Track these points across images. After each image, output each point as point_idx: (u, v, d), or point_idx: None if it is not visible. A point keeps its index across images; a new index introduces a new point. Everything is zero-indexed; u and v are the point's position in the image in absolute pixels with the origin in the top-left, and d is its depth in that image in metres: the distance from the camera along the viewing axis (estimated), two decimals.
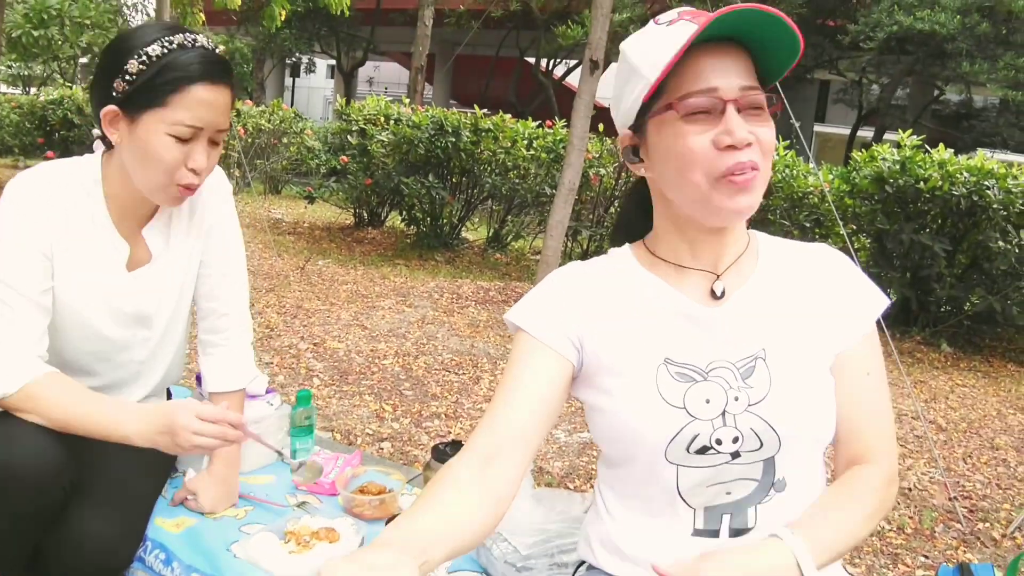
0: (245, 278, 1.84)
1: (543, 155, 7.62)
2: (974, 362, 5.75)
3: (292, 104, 30.92)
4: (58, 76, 15.54)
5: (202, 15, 9.09)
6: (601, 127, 7.50)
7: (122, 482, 1.58)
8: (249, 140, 11.55)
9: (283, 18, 8.70)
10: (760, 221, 5.95)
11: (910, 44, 13.89)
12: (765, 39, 1.05)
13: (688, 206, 1.10)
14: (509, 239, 8.53)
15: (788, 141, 6.41)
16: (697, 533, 1.12)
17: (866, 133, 18.59)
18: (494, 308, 5.54)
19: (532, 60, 18.30)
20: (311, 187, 9.19)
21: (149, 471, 1.69)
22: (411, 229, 8.25)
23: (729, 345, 1.12)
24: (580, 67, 15.81)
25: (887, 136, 13.98)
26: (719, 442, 1.08)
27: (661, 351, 1.12)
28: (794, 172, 6.27)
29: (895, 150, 5.99)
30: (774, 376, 1.10)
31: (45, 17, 12.82)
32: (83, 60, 17.17)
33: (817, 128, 21.69)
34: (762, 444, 1.09)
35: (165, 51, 1.43)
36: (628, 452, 1.13)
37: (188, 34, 1.47)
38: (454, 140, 7.53)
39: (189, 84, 1.43)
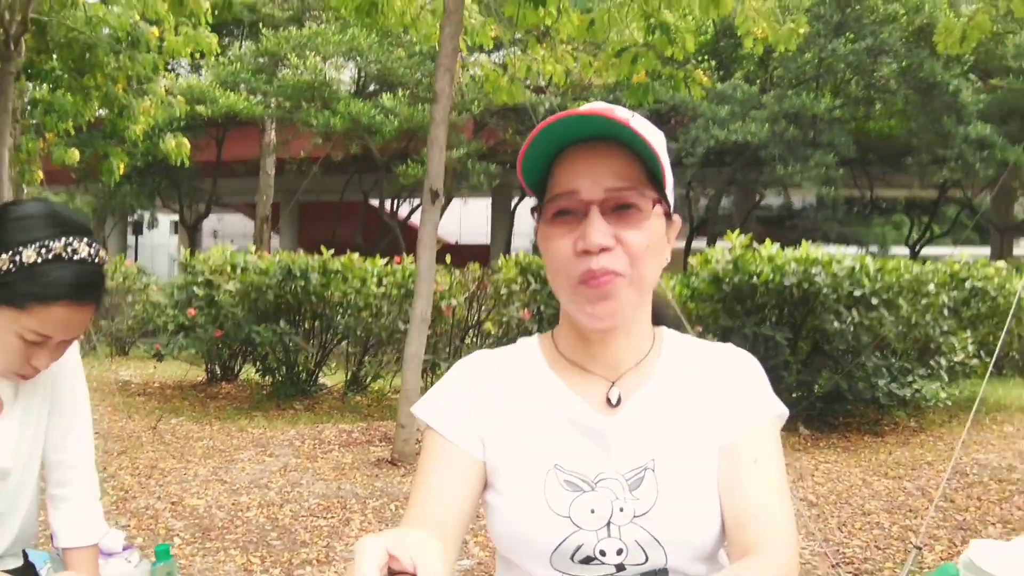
0: (91, 432, 1.78)
1: (394, 291, 7.74)
2: (832, 439, 6.13)
3: (136, 262, 29.90)
4: None
5: (40, 173, 8.89)
6: (448, 258, 7.80)
7: None
8: None
9: (122, 172, 8.62)
10: None
11: (728, 155, 15.32)
12: (628, 139, 1.03)
13: (567, 310, 1.11)
14: (368, 380, 8.46)
15: None
16: None
17: (700, 243, 20.08)
18: (359, 450, 5.49)
19: (376, 202, 18.75)
20: (159, 345, 8.89)
21: None
22: (267, 380, 8.05)
23: (619, 456, 1.08)
24: (418, 207, 16.24)
25: (718, 244, 15.20)
26: (603, 553, 1.06)
27: (551, 457, 1.10)
28: None
29: (727, 251, 6.39)
30: (661, 488, 1.06)
31: None
32: None
33: None
34: (647, 558, 1.06)
35: (39, 260, 1.39)
36: (516, 555, 1.10)
37: (70, 241, 1.43)
38: (303, 284, 7.52)
39: (53, 302, 1.40)
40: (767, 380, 1.14)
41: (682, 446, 1.08)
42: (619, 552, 1.04)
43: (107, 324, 11.35)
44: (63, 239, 1.42)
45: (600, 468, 1.08)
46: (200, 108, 13.64)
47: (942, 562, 3.47)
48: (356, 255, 8.05)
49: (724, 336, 6.35)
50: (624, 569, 1.05)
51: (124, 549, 1.94)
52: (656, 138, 1.08)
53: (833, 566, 3.35)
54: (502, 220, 20.80)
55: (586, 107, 1.07)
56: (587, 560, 1.05)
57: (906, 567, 3.24)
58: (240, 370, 8.75)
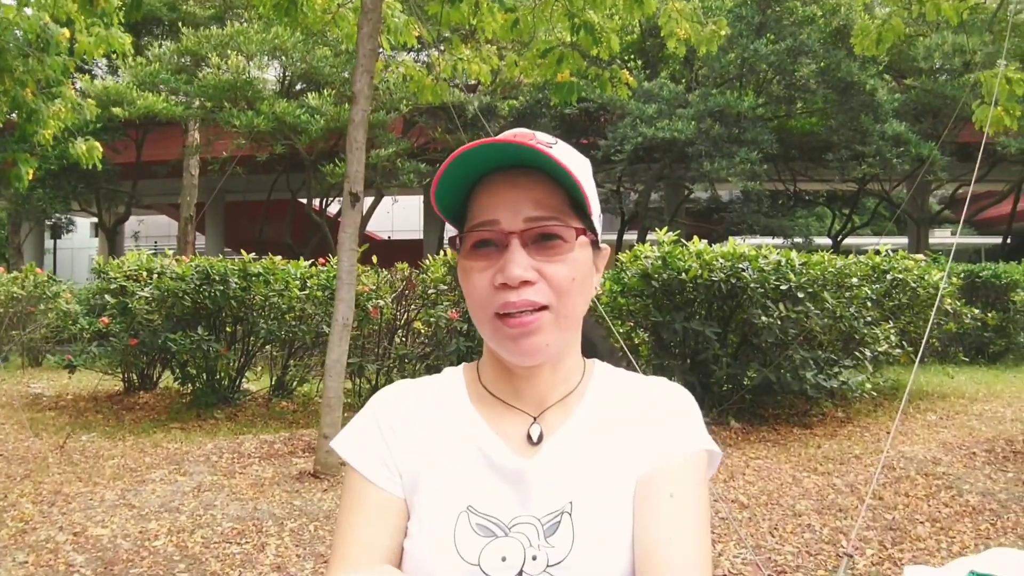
0: None
1: (318, 294, 7.55)
2: (762, 432, 6.16)
3: (55, 268, 28.62)
4: None
5: None
6: (375, 259, 7.62)
7: None
8: (1, 310, 10.53)
9: (31, 177, 8.20)
10: None
11: (656, 152, 15.51)
12: (550, 167, 0.97)
13: (490, 345, 1.04)
14: (294, 385, 8.25)
15: None
16: None
17: (631, 236, 20.26)
18: (280, 462, 5.27)
19: (306, 200, 18.38)
20: (70, 355, 8.48)
21: None
22: (186, 388, 7.75)
23: (536, 499, 1.01)
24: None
25: (649, 236, 15.35)
26: None
27: (465, 498, 1.03)
28: None
29: (655, 247, 6.42)
30: (577, 534, 0.99)
31: None
32: None
33: None
34: None
35: None
36: None
37: None
38: (223, 288, 7.27)
39: None
40: (698, 415, 1.07)
41: (602, 486, 1.01)
42: None
43: (18, 334, 10.81)
44: None
45: (515, 512, 1.01)
46: (117, 110, 13.10)
47: (873, 567, 3.49)
48: (279, 258, 7.83)
49: (655, 331, 6.43)
50: None
51: None
52: (579, 165, 1.02)
53: None
54: (434, 216, 20.66)
55: (507, 134, 1.02)
56: None
57: None
58: (159, 379, 8.42)
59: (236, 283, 7.39)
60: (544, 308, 0.98)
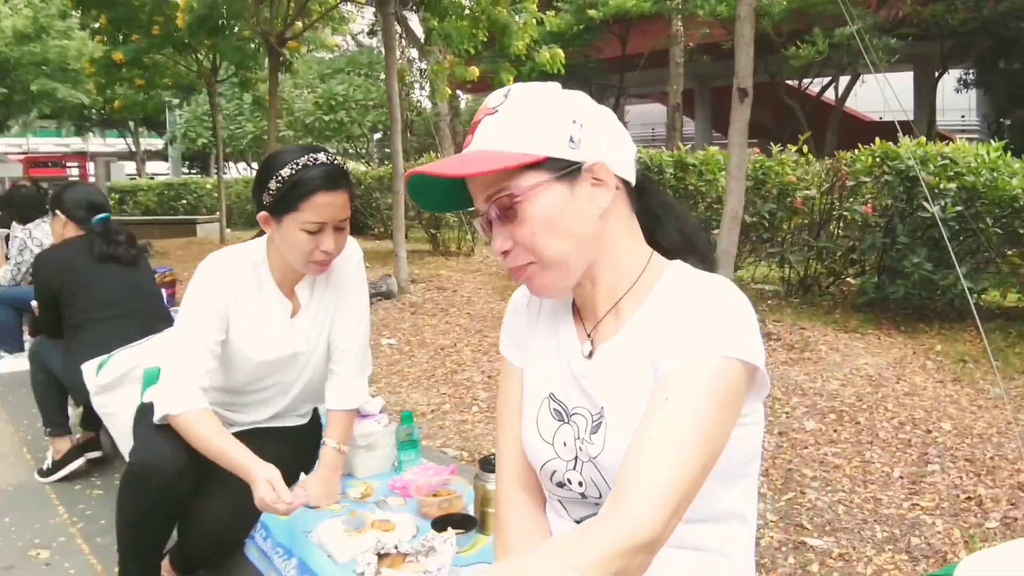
0: (366, 325, 2.33)
1: (748, 183, 7.67)
2: None
3: None
4: (352, 152, 17.89)
5: (447, 89, 10.39)
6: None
7: (239, 478, 2.03)
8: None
9: (511, 82, 9.68)
10: (969, 232, 5.58)
11: None
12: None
13: None
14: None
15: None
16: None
17: None
18: None
19: (796, 82, 17.85)
20: None
21: None
22: None
23: (589, 399, 1.16)
24: (832, 83, 14.95)
25: None
26: (570, 481, 1.18)
27: (549, 386, 1.23)
28: (996, 175, 5.53)
29: None
30: (608, 438, 1.12)
31: (333, 104, 15.12)
32: (377, 136, 19.59)
33: None
34: (600, 494, 1.15)
35: (293, 171, 1.98)
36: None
37: (312, 154, 2.01)
38: (659, 178, 7.87)
39: (312, 194, 1.97)
40: (733, 321, 1.04)
41: (634, 393, 1.09)
42: (580, 484, 1.17)
43: None
44: (306, 155, 2.02)
45: (577, 403, 1.18)
46: (592, 12, 14.27)
47: None
48: (715, 149, 8.10)
49: None
50: (586, 497, 1.18)
51: (379, 412, 2.51)
52: (509, 128, 1.11)
53: None
54: (925, 95, 18.44)
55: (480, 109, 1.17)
56: (560, 484, 1.20)
57: None
58: None
59: (671, 172, 7.93)
60: (530, 263, 1.12)
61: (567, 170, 1.10)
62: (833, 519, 2.83)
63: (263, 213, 2.07)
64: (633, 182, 1.19)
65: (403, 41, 12.57)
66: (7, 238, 5.42)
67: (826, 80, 18.04)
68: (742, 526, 1.18)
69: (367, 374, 2.38)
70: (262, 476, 1.92)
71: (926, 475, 3.17)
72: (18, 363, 5.24)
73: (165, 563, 2.29)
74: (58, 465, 3.42)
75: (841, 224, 7.23)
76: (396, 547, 1.82)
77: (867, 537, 2.70)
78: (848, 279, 7.00)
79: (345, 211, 2.03)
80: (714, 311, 1.05)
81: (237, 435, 2.32)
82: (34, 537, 2.89)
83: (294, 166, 1.98)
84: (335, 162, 2.04)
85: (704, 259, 1.21)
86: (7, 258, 5.24)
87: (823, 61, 14.47)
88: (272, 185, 2.00)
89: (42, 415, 3.49)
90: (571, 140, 1.10)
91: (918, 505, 2.92)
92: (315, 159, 2.00)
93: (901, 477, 3.18)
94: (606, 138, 1.15)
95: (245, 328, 2.16)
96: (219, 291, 2.11)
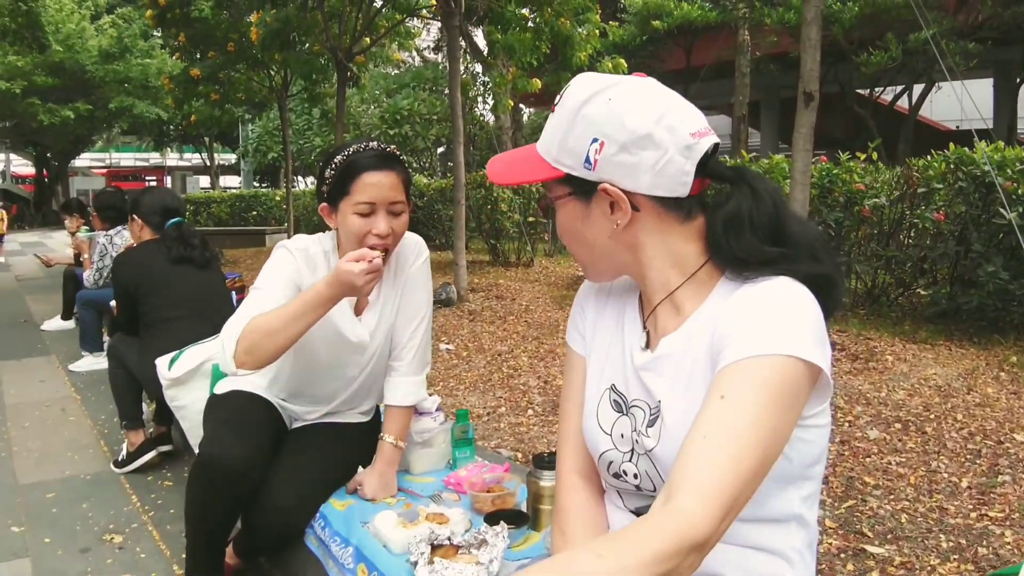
0: (428, 323, 2.35)
1: (813, 191, 7.53)
2: None
3: None
4: (415, 166, 18.17)
5: (510, 101, 10.48)
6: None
7: (302, 470, 2.20)
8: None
9: None
10: None
11: None
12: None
13: None
14: None
15: None
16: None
17: None
18: None
19: (866, 91, 17.45)
20: None
21: (329, 467, 2.27)
22: None
23: (648, 392, 1.16)
24: (905, 91, 14.46)
25: None
26: (625, 473, 1.19)
27: (611, 376, 1.23)
28: None
29: None
30: (663, 433, 1.11)
31: (398, 117, 15.39)
32: (440, 150, 19.82)
33: None
34: (655, 487, 1.15)
35: (345, 157, 2.05)
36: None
37: (364, 143, 2.07)
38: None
39: (361, 173, 2.02)
40: (796, 319, 1.01)
41: (692, 394, 1.08)
42: (635, 476, 1.18)
43: None
44: (357, 144, 2.08)
45: (635, 396, 1.18)
46: (656, 23, 14.24)
47: None
48: (780, 157, 7.96)
49: None
50: (641, 490, 1.19)
51: (436, 410, 2.55)
52: (547, 136, 1.17)
53: None
54: (1005, 102, 17.80)
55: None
56: (616, 475, 1.21)
57: None
58: None
59: None
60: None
61: (582, 188, 1.15)
62: (895, 527, 2.77)
63: (323, 205, 2.12)
64: (675, 194, 1.12)
65: (467, 55, 12.73)
66: (92, 242, 5.70)
67: (899, 88, 17.56)
68: (801, 529, 1.15)
69: (426, 372, 2.41)
70: (339, 266, 1.88)
71: (996, 486, 3.07)
72: (98, 362, 5.52)
73: (229, 549, 2.37)
74: (132, 457, 3.57)
75: (912, 233, 7.06)
76: (449, 539, 1.85)
77: (931, 546, 2.63)
78: (918, 290, 6.80)
79: (396, 193, 2.05)
80: (776, 308, 1.03)
81: (299, 429, 2.41)
82: (109, 523, 3.04)
83: (346, 153, 2.05)
84: (387, 149, 2.09)
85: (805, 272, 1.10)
86: (92, 262, 5.50)
87: (896, 68, 14.12)
88: (327, 174, 2.07)
89: (118, 409, 3.65)
90: (587, 161, 1.12)
91: (987, 515, 2.83)
92: (366, 145, 2.06)
93: (969, 487, 3.09)
94: (637, 155, 1.09)
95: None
96: (291, 262, 2.16)
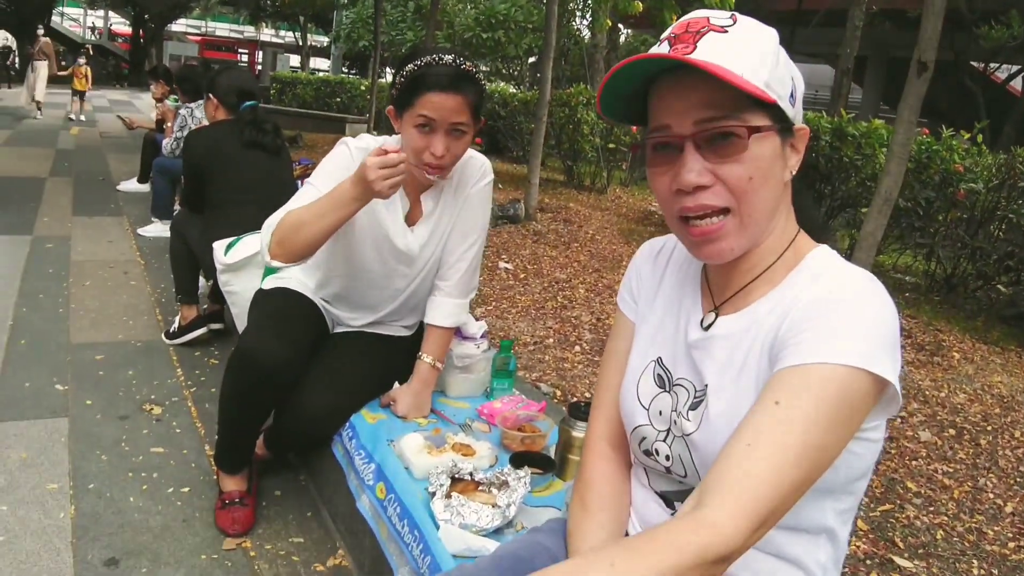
0: (479, 247, 2.31)
1: (908, 165, 7.16)
2: None
3: None
4: (504, 73, 17.73)
5: (609, 21, 10.11)
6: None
7: (338, 376, 2.20)
8: None
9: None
10: None
11: None
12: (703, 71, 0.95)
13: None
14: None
15: None
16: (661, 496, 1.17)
17: None
18: None
19: (979, 65, 16.38)
20: None
21: (365, 378, 2.27)
22: None
23: (696, 373, 1.09)
24: (1021, 71, 13.66)
25: None
26: (658, 452, 1.13)
27: (658, 349, 1.17)
28: None
29: None
30: (705, 419, 1.05)
31: (493, 21, 14.98)
32: (531, 60, 19.38)
33: None
34: (687, 474, 1.09)
35: (416, 68, 1.97)
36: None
37: (439, 55, 1.98)
38: (812, 144, 7.46)
39: (425, 91, 1.94)
40: (868, 328, 0.92)
41: (743, 383, 1.02)
42: (667, 458, 1.12)
43: None
44: (432, 55, 1.99)
45: (682, 373, 1.11)
46: None
47: None
48: (880, 122, 7.56)
49: None
50: (671, 472, 1.13)
51: (480, 336, 2.51)
52: (749, 53, 0.97)
53: None
54: None
55: (681, 21, 1.02)
56: (647, 453, 1.15)
57: None
58: None
59: (827, 141, 7.47)
60: (725, 211, 0.98)
61: (785, 125, 1.02)
62: (929, 543, 2.65)
63: (390, 107, 2.07)
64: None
65: None
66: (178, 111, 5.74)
67: (1015, 69, 16.40)
68: (830, 544, 1.09)
69: (470, 296, 2.37)
70: (364, 165, 1.87)
71: None
72: (166, 230, 5.61)
73: (260, 440, 2.41)
74: (183, 330, 3.66)
75: (1003, 227, 6.68)
76: (471, 474, 1.83)
77: (962, 571, 2.51)
78: (999, 286, 6.46)
79: (458, 115, 1.97)
80: (849, 311, 0.93)
81: (340, 335, 2.40)
82: (151, 393, 3.12)
83: (419, 63, 1.97)
84: (462, 66, 1.99)
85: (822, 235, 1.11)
86: (173, 131, 5.56)
87: (1016, 47, 13.14)
88: (398, 79, 2.01)
89: (175, 282, 3.72)
90: (791, 96, 1.01)
91: None
92: (440, 59, 1.97)
93: (1013, 514, 2.93)
94: (799, 110, 1.05)
95: (366, 217, 2.15)
96: (349, 160, 2.12)
